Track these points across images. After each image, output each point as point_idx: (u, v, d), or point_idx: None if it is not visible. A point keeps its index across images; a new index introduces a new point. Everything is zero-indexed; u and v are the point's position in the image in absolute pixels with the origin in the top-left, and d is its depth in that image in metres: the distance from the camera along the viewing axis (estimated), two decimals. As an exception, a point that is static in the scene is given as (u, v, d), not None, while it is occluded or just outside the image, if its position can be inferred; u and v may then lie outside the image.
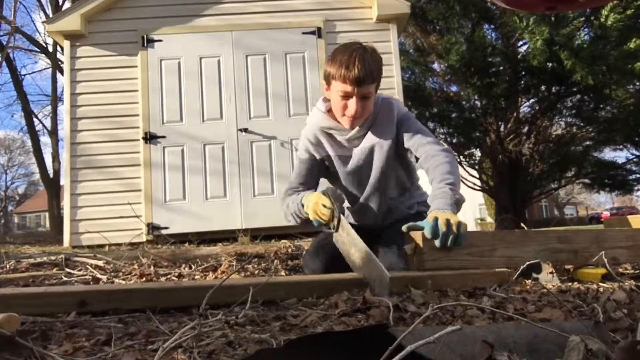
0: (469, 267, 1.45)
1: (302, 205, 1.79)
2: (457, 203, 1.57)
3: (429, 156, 1.73)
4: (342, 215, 1.66)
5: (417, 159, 1.81)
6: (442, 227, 1.43)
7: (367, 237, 1.90)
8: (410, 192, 2.00)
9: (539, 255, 1.50)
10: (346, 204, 2.01)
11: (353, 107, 1.71)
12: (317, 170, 1.95)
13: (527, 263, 1.46)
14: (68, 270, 2.24)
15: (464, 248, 1.47)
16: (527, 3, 1.30)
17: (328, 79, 1.75)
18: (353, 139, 1.87)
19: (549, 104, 9.23)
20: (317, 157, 1.92)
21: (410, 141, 1.81)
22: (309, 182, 1.95)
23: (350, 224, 1.93)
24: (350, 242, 1.58)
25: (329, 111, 1.88)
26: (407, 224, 1.53)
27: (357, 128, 1.83)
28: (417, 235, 1.47)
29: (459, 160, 10.88)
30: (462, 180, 10.72)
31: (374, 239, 2.01)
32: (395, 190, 1.95)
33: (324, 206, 1.65)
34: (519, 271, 1.44)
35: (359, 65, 1.65)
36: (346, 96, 1.71)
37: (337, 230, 1.64)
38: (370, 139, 1.86)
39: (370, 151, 1.86)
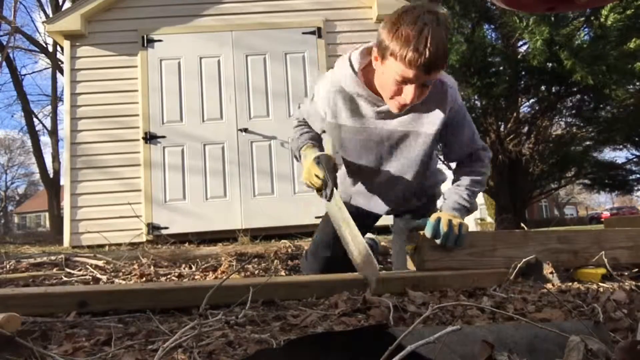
0: (469, 268, 1.45)
1: (300, 156, 1.70)
2: (467, 209, 1.56)
3: (466, 159, 1.65)
4: (335, 189, 1.55)
5: (450, 153, 1.66)
6: (443, 228, 1.43)
7: (364, 222, 1.84)
8: (425, 182, 1.78)
9: (539, 255, 1.50)
10: (354, 188, 1.80)
11: (410, 95, 1.38)
12: (324, 128, 1.71)
13: (524, 260, 1.46)
14: (68, 270, 2.24)
15: (464, 248, 1.47)
16: (526, 3, 1.30)
17: (384, 51, 1.36)
18: (385, 112, 1.54)
19: (549, 104, 9.22)
20: (329, 119, 1.62)
21: (453, 137, 1.60)
22: (313, 126, 1.79)
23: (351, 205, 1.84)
24: (341, 218, 1.54)
25: (364, 73, 1.52)
26: (412, 224, 1.53)
27: None
28: (417, 235, 1.47)
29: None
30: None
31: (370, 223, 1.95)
32: (411, 183, 1.71)
33: (317, 176, 1.53)
34: (516, 269, 1.44)
35: (431, 47, 1.27)
36: (404, 81, 1.37)
37: (329, 200, 1.56)
38: (407, 122, 1.55)
39: (402, 137, 1.58)
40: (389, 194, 1.76)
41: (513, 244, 1.53)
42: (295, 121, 1.88)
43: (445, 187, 1.77)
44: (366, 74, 1.52)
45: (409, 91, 1.38)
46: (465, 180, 1.62)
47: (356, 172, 1.74)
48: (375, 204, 1.82)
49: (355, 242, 1.46)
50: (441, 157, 4.61)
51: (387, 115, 1.55)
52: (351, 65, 1.53)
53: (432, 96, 1.49)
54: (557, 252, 1.56)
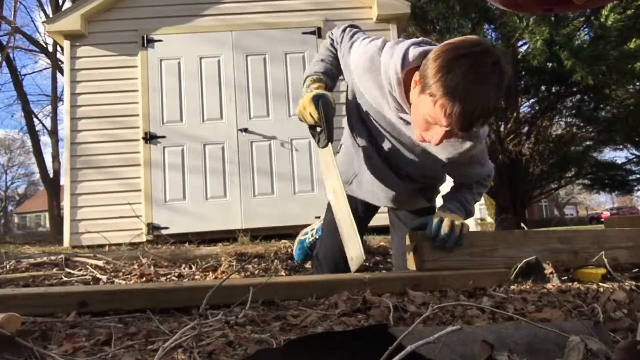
0: (469, 268, 1.45)
1: (304, 83, 1.56)
2: (467, 212, 1.57)
3: (476, 171, 1.60)
4: (329, 138, 1.47)
5: (457, 178, 1.65)
6: (445, 229, 1.43)
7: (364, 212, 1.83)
8: (429, 193, 1.77)
9: (539, 255, 1.50)
10: (358, 171, 1.70)
11: (436, 138, 1.26)
12: (348, 82, 1.58)
13: (525, 261, 1.46)
14: (68, 270, 2.24)
15: (464, 248, 1.47)
16: (524, 4, 1.29)
17: (424, 86, 1.21)
18: (405, 120, 1.46)
19: (549, 104, 9.23)
20: (360, 87, 1.51)
21: (463, 172, 1.59)
22: (333, 67, 1.64)
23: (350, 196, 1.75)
24: (329, 174, 1.51)
25: (407, 74, 1.34)
26: (415, 221, 1.52)
27: None
28: (417, 235, 1.47)
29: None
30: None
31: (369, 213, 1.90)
32: (414, 185, 1.68)
33: (310, 115, 1.44)
34: (517, 270, 1.45)
35: (476, 108, 1.14)
36: (435, 123, 1.24)
37: (321, 147, 1.49)
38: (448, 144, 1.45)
39: (416, 145, 1.50)
40: (393, 184, 1.66)
41: (513, 244, 1.53)
42: (328, 40, 1.69)
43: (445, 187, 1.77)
44: (409, 75, 1.34)
45: (436, 133, 1.26)
46: (465, 188, 1.63)
47: (365, 154, 1.63)
48: (377, 192, 1.71)
49: (344, 220, 1.45)
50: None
51: (408, 123, 1.46)
52: (403, 60, 1.34)
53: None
54: (557, 252, 1.56)
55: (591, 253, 1.59)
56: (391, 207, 1.83)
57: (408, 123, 1.45)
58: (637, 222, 2.04)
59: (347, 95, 1.62)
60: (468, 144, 1.43)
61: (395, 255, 1.90)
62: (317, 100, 1.45)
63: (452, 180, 1.70)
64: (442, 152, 1.48)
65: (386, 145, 1.56)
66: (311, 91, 1.49)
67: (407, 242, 1.52)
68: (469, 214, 1.59)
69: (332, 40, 1.68)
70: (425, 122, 1.27)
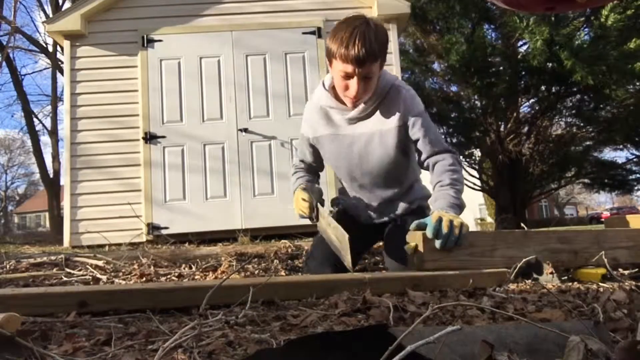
0: (469, 267, 1.45)
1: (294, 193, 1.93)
2: (460, 206, 1.59)
3: (435, 160, 1.71)
4: (319, 205, 1.79)
5: (419, 157, 1.78)
6: (444, 229, 1.43)
7: (365, 232, 1.94)
8: (413, 188, 1.94)
9: (539, 255, 1.50)
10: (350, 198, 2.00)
11: (354, 87, 1.62)
12: (313, 148, 1.95)
13: (524, 260, 1.46)
14: (68, 270, 2.24)
15: (464, 248, 1.47)
16: (525, 3, 1.30)
17: (329, 56, 1.64)
18: (354, 118, 1.78)
19: (549, 104, 9.23)
20: (310, 136, 1.89)
21: (416, 138, 1.74)
22: (307, 158, 2.00)
23: (347, 218, 1.97)
24: (328, 227, 1.69)
25: (333, 88, 1.78)
26: (414, 221, 1.53)
27: (359, 107, 1.74)
28: (417, 235, 1.47)
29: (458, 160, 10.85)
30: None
31: (374, 234, 2.01)
32: (395, 183, 1.88)
33: (303, 200, 1.76)
34: (517, 269, 1.45)
35: (359, 43, 1.53)
36: (347, 76, 1.61)
37: (316, 220, 1.74)
38: (372, 124, 1.76)
39: (371, 137, 1.77)
40: (376, 195, 1.90)
41: (513, 244, 1.53)
42: (292, 168, 2.10)
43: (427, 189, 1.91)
44: (335, 90, 1.76)
45: (353, 84, 1.62)
46: (445, 179, 1.66)
47: (345, 181, 1.96)
48: (366, 209, 1.96)
49: (338, 235, 1.62)
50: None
51: (356, 120, 1.78)
52: (323, 84, 1.83)
53: (391, 98, 1.74)
54: (557, 252, 1.56)
55: (591, 253, 1.59)
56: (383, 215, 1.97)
57: (355, 122, 1.78)
58: (635, 222, 2.04)
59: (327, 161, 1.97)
60: (401, 104, 1.72)
61: (386, 260, 1.91)
62: (303, 187, 1.87)
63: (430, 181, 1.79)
64: (390, 122, 1.74)
65: (354, 164, 1.84)
66: (297, 192, 1.90)
67: (407, 242, 1.52)
68: (461, 206, 1.60)
69: (294, 165, 2.11)
70: (342, 81, 1.63)
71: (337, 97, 1.77)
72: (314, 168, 2.06)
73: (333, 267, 1.81)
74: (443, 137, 10.29)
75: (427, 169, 1.79)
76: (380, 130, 1.75)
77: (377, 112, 1.75)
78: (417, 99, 1.77)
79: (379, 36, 1.58)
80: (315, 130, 1.86)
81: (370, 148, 1.78)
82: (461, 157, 10.76)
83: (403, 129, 1.74)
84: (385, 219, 1.96)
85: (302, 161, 2.04)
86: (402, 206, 1.91)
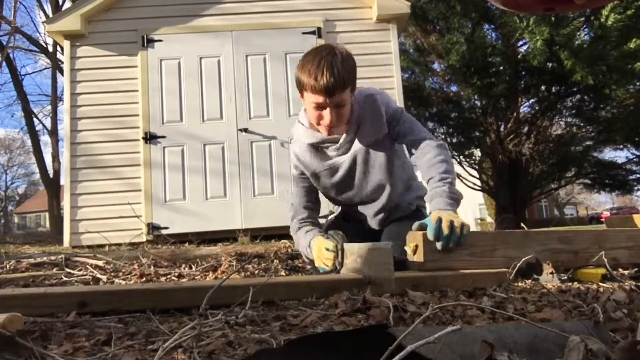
0: (469, 268, 1.45)
1: (310, 249, 1.79)
2: (457, 201, 1.58)
3: (423, 153, 1.70)
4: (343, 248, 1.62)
5: (410, 153, 1.78)
6: (445, 230, 1.42)
7: (369, 234, 1.92)
8: (411, 187, 1.94)
9: (539, 255, 1.50)
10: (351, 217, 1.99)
11: (327, 117, 1.62)
12: (311, 184, 1.93)
13: (523, 260, 1.46)
14: (68, 270, 2.24)
15: (464, 248, 1.47)
16: (524, 4, 1.30)
17: (300, 89, 1.65)
18: (342, 147, 1.79)
19: (549, 104, 9.23)
20: (309, 173, 1.88)
21: (403, 138, 1.75)
22: (311, 200, 1.95)
23: (350, 223, 1.97)
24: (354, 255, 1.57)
25: (312, 125, 1.79)
26: (415, 223, 1.52)
27: (344, 137, 1.75)
28: (417, 236, 1.47)
29: (458, 160, 10.88)
30: (462, 181, 10.74)
31: (377, 235, 2.01)
32: (394, 190, 1.87)
33: (327, 249, 1.61)
34: (516, 269, 1.44)
35: (327, 73, 1.54)
36: (319, 107, 1.62)
37: (341, 267, 1.57)
38: (362, 140, 1.77)
39: (366, 154, 1.78)
40: (376, 205, 1.89)
41: (513, 244, 1.53)
42: (293, 220, 1.99)
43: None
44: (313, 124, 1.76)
45: (326, 114, 1.62)
46: (434, 174, 1.64)
47: (348, 204, 1.96)
48: (369, 219, 1.96)
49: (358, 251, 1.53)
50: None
51: (344, 148, 1.79)
52: (301, 122, 1.86)
53: (369, 111, 1.75)
54: (557, 252, 1.56)
55: (592, 253, 1.59)
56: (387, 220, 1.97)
57: (345, 150, 1.79)
58: (633, 222, 2.04)
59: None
60: (381, 109, 1.73)
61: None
62: (326, 236, 1.69)
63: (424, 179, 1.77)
64: (377, 134, 1.75)
65: (354, 187, 1.85)
66: (316, 242, 1.73)
67: (407, 243, 1.52)
68: (458, 198, 1.59)
69: (292, 216, 2.01)
70: (315, 111, 1.64)
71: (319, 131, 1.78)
72: (315, 214, 1.99)
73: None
74: (443, 137, 10.34)
75: (418, 164, 1.77)
76: (372, 143, 1.76)
77: (362, 128, 1.76)
78: (391, 101, 1.80)
79: (346, 63, 1.59)
80: (310, 168, 1.86)
81: (367, 169, 1.80)
82: (461, 157, 10.76)
83: (389, 134, 1.76)
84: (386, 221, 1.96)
85: (304, 208, 1.96)
86: (401, 208, 1.91)
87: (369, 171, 1.81)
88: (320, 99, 1.58)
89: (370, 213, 1.91)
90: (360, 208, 1.93)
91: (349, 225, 1.95)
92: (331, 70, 1.54)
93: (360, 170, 1.80)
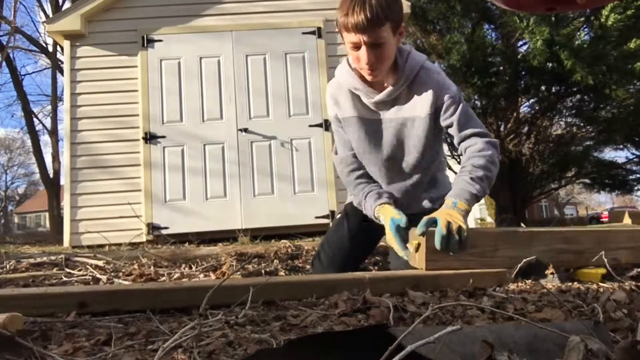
0: (471, 267, 1.44)
1: (377, 216, 1.67)
2: (475, 196, 1.52)
3: (470, 144, 1.61)
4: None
5: (458, 144, 1.66)
6: (442, 230, 1.39)
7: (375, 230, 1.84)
8: (438, 182, 1.84)
9: (542, 256, 1.48)
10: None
11: (364, 57, 1.50)
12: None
13: (525, 261, 1.45)
14: (68, 270, 2.24)
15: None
16: (525, 4, 1.30)
17: (339, 28, 1.54)
18: (382, 102, 1.66)
19: (549, 104, 9.22)
20: (340, 116, 1.74)
21: (449, 123, 1.62)
22: (351, 148, 1.80)
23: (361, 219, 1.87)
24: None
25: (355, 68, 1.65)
26: (423, 219, 1.46)
27: (387, 91, 1.62)
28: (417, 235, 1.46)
29: (458, 160, 10.87)
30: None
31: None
32: (421, 174, 1.77)
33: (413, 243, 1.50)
34: (517, 269, 1.44)
35: (359, 9, 1.43)
36: (355, 47, 1.51)
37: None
38: (402, 110, 1.65)
39: (401, 125, 1.66)
40: (399, 185, 1.78)
41: (516, 244, 1.51)
42: (350, 172, 1.81)
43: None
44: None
45: (362, 54, 1.51)
46: (468, 164, 1.58)
47: (369, 167, 1.80)
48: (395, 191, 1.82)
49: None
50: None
51: (383, 105, 1.67)
52: (348, 62, 1.68)
53: (421, 80, 1.62)
54: (560, 253, 1.53)
55: (595, 253, 1.57)
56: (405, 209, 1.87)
57: (383, 107, 1.67)
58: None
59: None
60: (432, 87, 1.60)
61: (392, 257, 1.88)
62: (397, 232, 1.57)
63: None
64: (422, 109, 1.63)
65: (385, 152, 1.74)
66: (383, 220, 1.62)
67: (409, 242, 1.51)
68: (478, 195, 1.51)
69: (346, 167, 1.81)
70: (353, 52, 1.53)
71: (362, 78, 1.64)
72: (363, 168, 1.83)
73: (339, 268, 1.77)
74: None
75: (462, 156, 1.67)
76: (411, 117, 1.64)
77: (407, 97, 1.64)
78: (448, 81, 1.65)
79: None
80: (342, 111, 1.73)
81: (401, 136, 1.68)
82: (461, 156, 10.74)
83: (434, 115, 1.63)
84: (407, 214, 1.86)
85: (353, 157, 1.79)
86: (425, 203, 1.81)
87: (400, 141, 1.69)
88: (354, 37, 1.48)
89: (394, 188, 1.79)
90: (384, 178, 1.80)
91: (364, 228, 1.86)
92: (364, 5, 1.44)
93: (390, 136, 1.69)
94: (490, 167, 1.58)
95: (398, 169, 1.76)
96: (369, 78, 1.59)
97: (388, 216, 1.60)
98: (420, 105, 1.62)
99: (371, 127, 1.70)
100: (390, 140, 1.70)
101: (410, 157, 1.72)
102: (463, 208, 1.48)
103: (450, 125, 1.63)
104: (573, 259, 1.56)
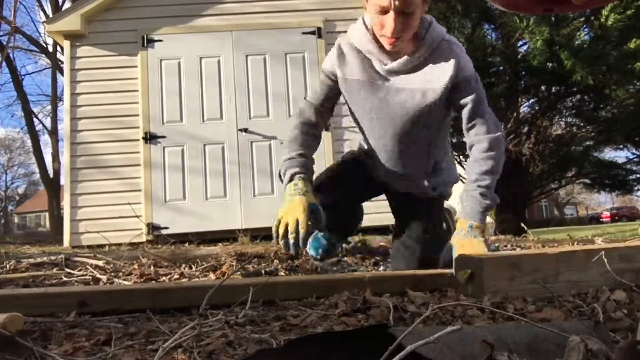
0: (531, 296, 1.23)
1: (284, 180, 1.64)
2: (487, 209, 1.54)
3: (477, 140, 1.59)
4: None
5: (466, 130, 1.63)
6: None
7: (373, 185, 1.86)
8: (440, 169, 1.81)
9: (602, 277, 1.34)
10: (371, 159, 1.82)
11: (390, 24, 1.41)
12: (334, 95, 1.75)
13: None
14: (68, 270, 2.24)
15: (526, 274, 1.28)
16: (523, 5, 1.30)
17: None
18: (395, 71, 1.58)
19: (549, 104, 9.22)
20: (340, 75, 1.65)
21: (463, 109, 1.57)
22: (325, 108, 1.77)
23: (357, 167, 1.88)
24: None
25: (374, 34, 1.56)
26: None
27: (403, 59, 1.54)
28: (472, 262, 1.29)
29: (458, 160, 10.89)
30: (462, 181, 10.75)
31: (380, 188, 1.93)
32: (422, 155, 1.73)
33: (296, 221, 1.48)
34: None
35: None
36: (383, 11, 1.42)
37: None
38: (416, 80, 1.56)
39: (412, 95, 1.57)
40: (400, 162, 1.74)
41: (576, 266, 1.34)
42: (295, 120, 1.78)
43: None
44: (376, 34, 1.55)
45: (389, 21, 1.42)
46: (473, 175, 1.57)
47: (369, 137, 1.75)
48: (387, 174, 1.80)
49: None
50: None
51: (396, 73, 1.58)
52: (364, 24, 1.59)
53: (441, 54, 1.54)
54: (620, 273, 1.36)
55: None
56: (397, 192, 1.87)
57: (395, 75, 1.58)
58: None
59: (350, 112, 1.76)
60: (452, 61, 1.52)
61: (394, 256, 1.88)
62: (311, 208, 1.53)
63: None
64: (436, 83, 1.54)
65: (388, 122, 1.64)
66: (301, 193, 1.55)
67: (459, 267, 1.32)
68: (488, 207, 1.53)
69: (301, 112, 1.77)
70: (378, 18, 1.44)
71: (377, 42, 1.56)
72: (318, 128, 1.78)
73: (329, 196, 1.73)
74: None
75: (468, 149, 1.65)
76: (425, 89, 1.56)
77: (424, 68, 1.55)
78: (469, 59, 1.57)
79: None
80: (348, 71, 1.64)
81: (409, 107, 1.59)
82: (462, 157, 10.76)
83: (449, 91, 1.55)
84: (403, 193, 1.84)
85: (315, 111, 1.75)
86: (423, 187, 1.79)
87: (407, 113, 1.61)
88: (384, 1, 1.40)
89: (392, 165, 1.75)
90: (381, 153, 1.74)
91: (358, 170, 1.84)
92: None
93: (397, 105, 1.60)
94: (497, 168, 1.58)
95: (401, 143, 1.68)
96: (388, 47, 1.51)
97: (293, 200, 1.54)
98: (437, 77, 1.54)
99: (377, 93, 1.61)
100: (397, 111, 1.61)
101: (416, 131, 1.64)
102: (479, 229, 1.50)
103: (463, 107, 1.57)
104: (634, 279, 1.37)
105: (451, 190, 1.90)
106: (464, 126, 1.62)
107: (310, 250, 2.12)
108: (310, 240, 2.06)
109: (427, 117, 1.61)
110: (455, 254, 1.42)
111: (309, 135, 1.74)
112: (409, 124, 1.62)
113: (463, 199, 1.58)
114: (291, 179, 1.61)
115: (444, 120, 1.68)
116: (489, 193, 1.55)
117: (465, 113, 1.58)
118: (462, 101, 1.57)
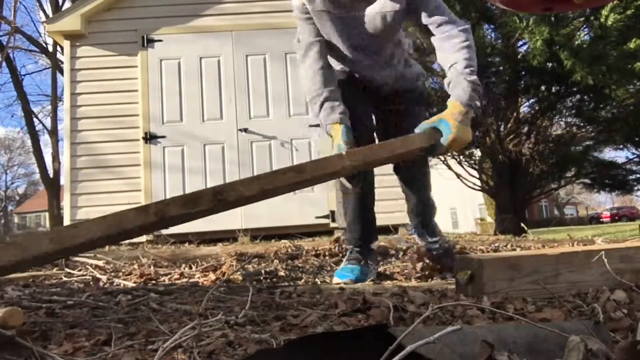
0: (532, 297, 1.25)
1: (329, 133, 1.85)
2: (478, 92, 1.64)
3: (448, 36, 1.70)
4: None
5: (432, 34, 1.77)
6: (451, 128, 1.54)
7: (371, 98, 2.01)
8: (410, 64, 2.06)
9: (602, 277, 1.35)
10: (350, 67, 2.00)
11: None
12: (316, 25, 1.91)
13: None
14: (68, 270, 2.24)
15: (526, 275, 1.28)
16: (524, 3, 1.30)
17: None
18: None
19: (549, 104, 9.22)
20: (310, 7, 1.85)
21: (427, 18, 1.74)
22: (317, 35, 1.93)
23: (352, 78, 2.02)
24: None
25: None
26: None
27: None
28: (472, 263, 1.31)
29: (458, 160, 10.89)
30: (462, 181, 10.75)
31: (380, 100, 2.08)
32: (395, 60, 1.96)
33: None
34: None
35: None
36: None
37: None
38: (377, 5, 1.77)
39: (373, 18, 1.78)
40: (373, 54, 1.92)
41: (576, 267, 1.35)
42: (306, 49, 1.95)
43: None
44: None
45: None
46: (459, 59, 1.65)
47: (346, 52, 1.93)
48: (369, 68, 1.98)
49: None
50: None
51: (359, 2, 1.76)
52: None
53: None
54: (620, 273, 1.37)
55: None
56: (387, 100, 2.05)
57: (361, 6, 1.77)
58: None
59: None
60: None
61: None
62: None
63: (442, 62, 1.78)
64: (395, 4, 1.74)
65: (354, 41, 1.86)
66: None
67: (459, 268, 1.33)
68: (479, 91, 1.64)
69: (314, 68, 1.92)
70: None
71: None
72: (326, 58, 1.97)
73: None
74: None
75: (439, 47, 1.76)
76: (384, 12, 1.76)
77: None
78: None
79: None
80: (315, 3, 1.83)
81: (372, 27, 1.79)
82: (461, 157, 10.76)
83: (408, 7, 1.75)
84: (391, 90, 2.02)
85: (319, 42, 1.92)
86: (408, 79, 2.02)
87: (371, 36, 1.81)
88: None
89: (378, 75, 1.96)
90: (367, 68, 1.95)
91: (353, 84, 1.99)
92: None
93: (364, 28, 1.80)
94: (474, 55, 1.69)
95: (368, 57, 1.89)
96: None
97: (336, 141, 1.79)
98: (395, 2, 1.73)
99: (345, 21, 1.81)
100: (364, 32, 1.81)
101: (381, 47, 1.86)
102: (468, 115, 1.63)
103: (422, 14, 1.74)
104: (634, 279, 1.39)
105: (425, 86, 2.11)
106: (433, 32, 1.75)
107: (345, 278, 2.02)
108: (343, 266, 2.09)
109: (397, 33, 1.87)
110: (450, 134, 1.57)
111: (325, 68, 1.91)
112: (376, 43, 1.85)
113: (454, 83, 1.67)
114: (327, 131, 1.86)
115: (401, 31, 1.91)
116: (474, 77, 1.65)
117: (429, 21, 1.73)
118: (423, 10, 1.73)
